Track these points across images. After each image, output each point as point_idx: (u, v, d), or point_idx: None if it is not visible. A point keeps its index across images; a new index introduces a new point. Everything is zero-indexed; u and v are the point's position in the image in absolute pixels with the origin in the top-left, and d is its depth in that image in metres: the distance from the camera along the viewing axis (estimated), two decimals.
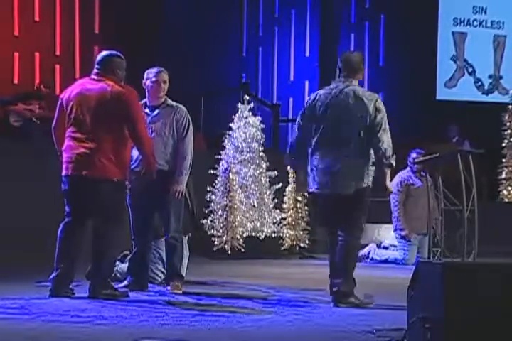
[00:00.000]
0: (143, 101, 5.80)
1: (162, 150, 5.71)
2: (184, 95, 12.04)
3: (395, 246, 8.87)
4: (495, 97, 13.42)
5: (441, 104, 12.90)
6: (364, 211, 5.21)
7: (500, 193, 11.83)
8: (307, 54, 13.71)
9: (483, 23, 13.53)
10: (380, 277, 7.39)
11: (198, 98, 11.99)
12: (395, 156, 5.10)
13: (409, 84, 12.71)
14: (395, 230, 8.75)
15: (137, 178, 5.61)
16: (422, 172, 8.54)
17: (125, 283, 5.78)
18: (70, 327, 4.08)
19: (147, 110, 5.80)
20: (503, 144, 12.00)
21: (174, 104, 5.88)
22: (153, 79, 5.82)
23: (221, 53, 12.97)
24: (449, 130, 12.11)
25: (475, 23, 13.50)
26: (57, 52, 12.03)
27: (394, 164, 5.11)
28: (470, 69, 13.49)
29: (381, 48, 13.54)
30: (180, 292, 5.61)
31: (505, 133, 12.02)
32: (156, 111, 5.80)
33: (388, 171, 5.16)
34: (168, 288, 5.70)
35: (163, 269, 6.22)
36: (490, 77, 13.55)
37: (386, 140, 5.06)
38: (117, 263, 6.35)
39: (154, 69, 5.89)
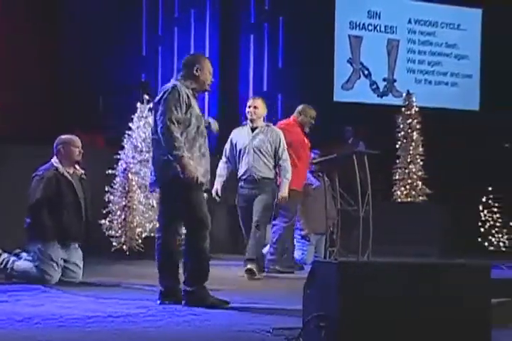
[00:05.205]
0: (246, 122, 7.34)
1: (264, 162, 7.15)
2: (83, 94, 11.93)
3: None
4: (389, 100, 13.77)
5: (339, 106, 13.13)
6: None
7: (394, 193, 12.14)
8: (207, 54, 13.72)
9: (378, 28, 13.86)
10: (277, 277, 7.47)
11: (97, 97, 11.84)
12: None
13: (307, 85, 12.87)
14: (295, 230, 8.84)
15: (246, 185, 7.15)
16: (319, 173, 8.66)
17: (248, 266, 6.96)
18: None
19: (249, 131, 7.26)
20: (397, 146, 12.33)
21: (271, 125, 7.37)
22: (248, 104, 7.31)
23: (120, 52, 12.83)
24: (344, 131, 12.35)
25: (370, 28, 13.82)
26: None
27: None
28: (366, 72, 13.80)
29: (280, 50, 13.69)
30: (255, 276, 6.91)
31: (399, 135, 12.35)
32: (257, 131, 7.23)
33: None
34: (244, 267, 6.99)
35: (58, 269, 6.22)
36: (384, 80, 13.90)
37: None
38: (13, 259, 6.26)
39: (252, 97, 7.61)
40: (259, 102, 7.29)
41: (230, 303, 5.02)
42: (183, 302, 4.98)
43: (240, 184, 7.26)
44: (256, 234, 7.03)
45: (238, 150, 7.26)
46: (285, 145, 7.26)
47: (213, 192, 7.20)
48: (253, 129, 7.26)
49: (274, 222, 7.64)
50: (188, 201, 5.00)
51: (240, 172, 7.23)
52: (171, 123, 4.90)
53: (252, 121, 7.26)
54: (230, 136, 7.40)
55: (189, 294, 4.99)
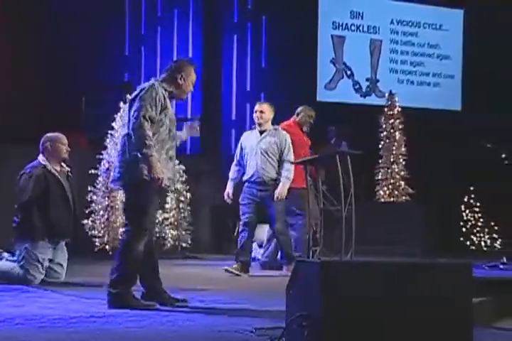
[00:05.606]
0: (254, 126, 7.71)
1: (271, 163, 7.47)
2: (65, 94, 11.88)
3: None
4: (372, 100, 13.81)
5: (322, 106, 13.14)
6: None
7: (377, 193, 12.18)
8: (190, 53, 13.71)
9: (360, 28, 13.91)
10: (261, 277, 7.49)
11: (79, 97, 11.79)
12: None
13: (290, 85, 12.88)
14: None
15: (255, 186, 7.43)
16: None
17: (235, 265, 7.32)
18: None
19: (258, 134, 7.59)
20: (380, 146, 12.37)
21: (278, 128, 7.70)
22: (255, 109, 7.65)
23: (103, 52, 12.79)
24: (327, 131, 12.38)
25: (352, 28, 13.86)
26: None
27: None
28: (348, 72, 13.84)
29: (263, 49, 13.69)
30: None
31: (382, 135, 12.40)
32: (264, 134, 7.56)
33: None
34: (285, 270, 7.41)
35: (42, 271, 6.17)
36: (367, 80, 13.94)
37: None
38: None
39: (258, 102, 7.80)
40: (266, 106, 7.64)
41: (155, 305, 4.90)
42: (107, 304, 4.87)
43: (246, 184, 7.53)
44: (280, 239, 7.55)
45: (246, 153, 7.59)
46: (291, 147, 7.56)
47: (225, 195, 7.53)
48: (261, 132, 7.61)
49: (291, 222, 7.90)
50: (143, 201, 4.87)
51: (248, 174, 7.52)
52: (145, 120, 4.81)
53: (259, 124, 7.62)
54: (240, 140, 7.74)
55: (113, 296, 4.86)
